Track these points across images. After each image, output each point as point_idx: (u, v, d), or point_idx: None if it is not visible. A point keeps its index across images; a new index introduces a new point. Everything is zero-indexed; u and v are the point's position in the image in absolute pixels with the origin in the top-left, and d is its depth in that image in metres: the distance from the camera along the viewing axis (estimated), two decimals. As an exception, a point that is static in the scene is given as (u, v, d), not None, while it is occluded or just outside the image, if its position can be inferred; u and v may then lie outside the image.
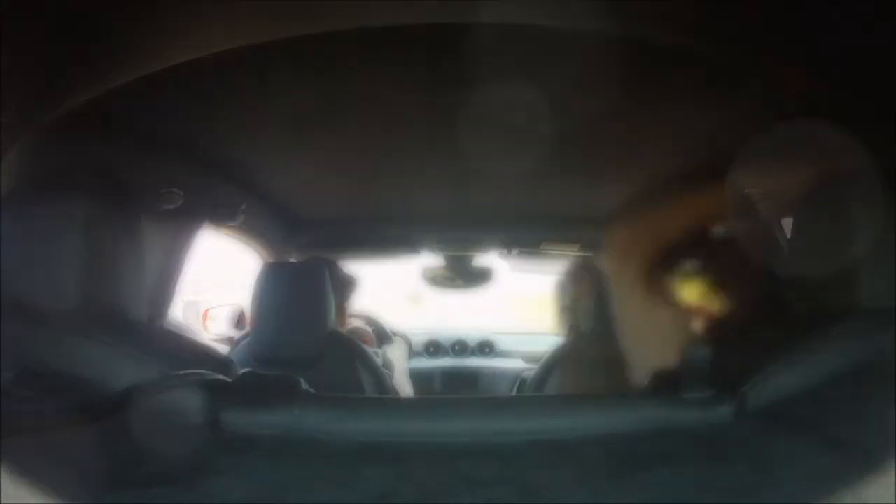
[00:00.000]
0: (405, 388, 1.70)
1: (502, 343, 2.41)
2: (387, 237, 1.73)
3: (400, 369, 1.78)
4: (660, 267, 0.52)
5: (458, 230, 1.73)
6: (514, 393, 1.44)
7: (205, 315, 1.85)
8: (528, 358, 2.29)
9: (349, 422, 0.45)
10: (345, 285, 1.47)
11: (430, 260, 2.00)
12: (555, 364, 1.22)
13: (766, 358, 0.46)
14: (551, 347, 1.30)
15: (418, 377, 2.15)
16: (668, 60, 0.70)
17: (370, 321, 2.16)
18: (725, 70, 0.72)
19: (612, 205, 1.05)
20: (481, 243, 1.83)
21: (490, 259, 1.96)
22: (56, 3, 0.50)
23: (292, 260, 1.70)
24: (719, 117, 0.91)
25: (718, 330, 0.48)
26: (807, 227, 0.51)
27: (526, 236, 1.76)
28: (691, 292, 0.50)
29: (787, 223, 0.60)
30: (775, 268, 0.51)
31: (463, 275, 1.99)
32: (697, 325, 0.49)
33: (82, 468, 0.41)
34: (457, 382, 2.31)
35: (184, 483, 0.40)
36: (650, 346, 0.51)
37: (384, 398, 1.10)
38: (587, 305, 1.15)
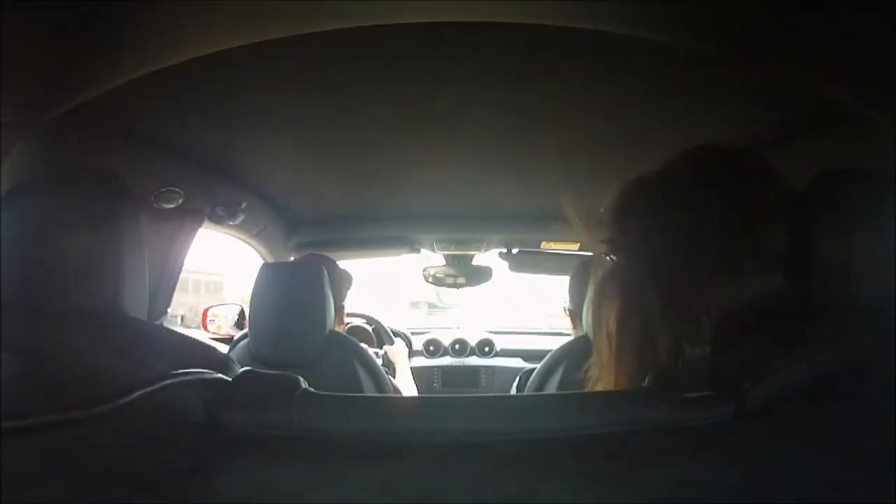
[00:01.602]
0: (409, 388, 1.69)
1: (502, 342, 2.41)
2: (387, 236, 1.73)
3: (403, 368, 1.78)
4: (661, 266, 0.52)
5: (459, 229, 1.73)
6: (513, 390, 1.44)
7: (205, 315, 1.85)
8: (528, 357, 2.29)
9: (349, 421, 0.45)
10: (342, 283, 1.47)
11: (430, 259, 2.00)
12: (556, 363, 1.22)
13: (767, 358, 0.46)
14: (552, 347, 1.30)
15: (418, 376, 2.15)
16: (670, 60, 0.70)
17: (370, 320, 2.16)
18: (729, 71, 0.72)
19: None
20: (481, 242, 1.83)
21: (490, 258, 1.96)
22: (56, 3, 0.50)
23: (291, 259, 1.70)
24: (722, 117, 0.91)
25: (719, 329, 0.48)
26: (807, 227, 0.51)
27: (526, 236, 1.76)
28: (691, 291, 0.50)
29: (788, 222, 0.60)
30: (776, 267, 0.51)
31: (463, 274, 1.99)
32: (699, 324, 0.49)
33: (82, 468, 0.41)
34: (457, 381, 2.31)
35: (183, 483, 0.40)
36: (651, 346, 0.51)
37: (384, 397, 1.10)
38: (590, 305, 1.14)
